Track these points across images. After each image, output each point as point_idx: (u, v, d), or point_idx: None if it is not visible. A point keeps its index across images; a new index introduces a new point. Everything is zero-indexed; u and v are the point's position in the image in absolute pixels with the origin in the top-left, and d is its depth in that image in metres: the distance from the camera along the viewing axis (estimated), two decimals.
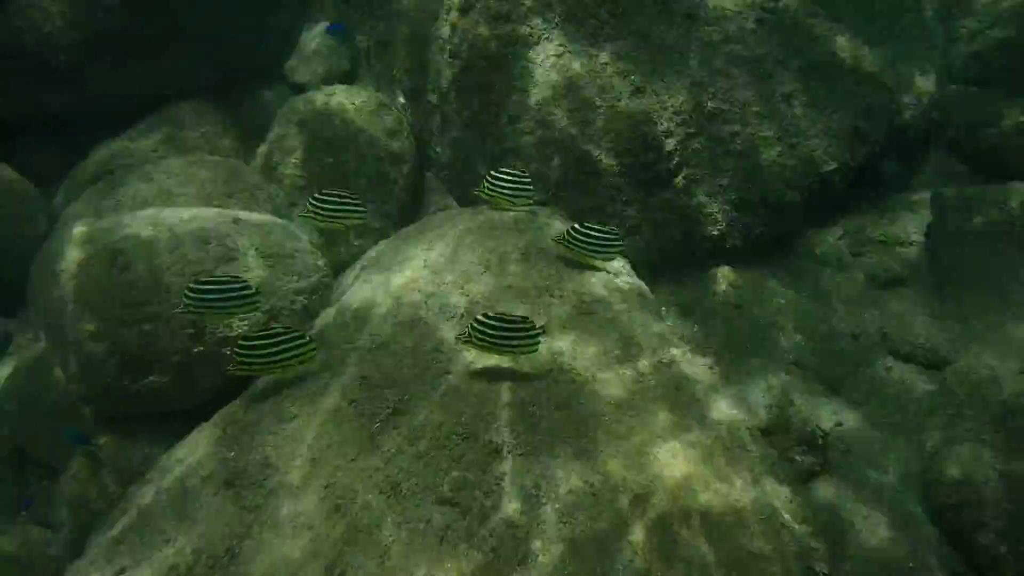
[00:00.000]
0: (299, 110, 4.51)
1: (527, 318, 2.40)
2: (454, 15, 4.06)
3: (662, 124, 3.68)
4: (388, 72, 4.83)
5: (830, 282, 3.73)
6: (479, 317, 2.36)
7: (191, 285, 2.51)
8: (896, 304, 3.60)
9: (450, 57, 4.14)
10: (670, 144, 3.68)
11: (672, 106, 3.70)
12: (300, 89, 5.34)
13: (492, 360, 2.47)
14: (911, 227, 3.93)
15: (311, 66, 5.35)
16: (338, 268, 3.80)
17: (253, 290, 2.59)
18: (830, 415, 3.05)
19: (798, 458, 2.36)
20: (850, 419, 3.11)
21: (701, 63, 3.78)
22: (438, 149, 4.66)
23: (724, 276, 3.58)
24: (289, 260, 3.20)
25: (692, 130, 3.73)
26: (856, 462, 2.95)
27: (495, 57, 3.91)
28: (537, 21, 3.85)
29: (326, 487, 2.31)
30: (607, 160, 3.76)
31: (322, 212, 2.86)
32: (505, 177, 3.25)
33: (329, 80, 5.33)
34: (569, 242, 2.93)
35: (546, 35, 3.86)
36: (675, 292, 3.74)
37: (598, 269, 3.00)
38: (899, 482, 2.97)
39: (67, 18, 4.15)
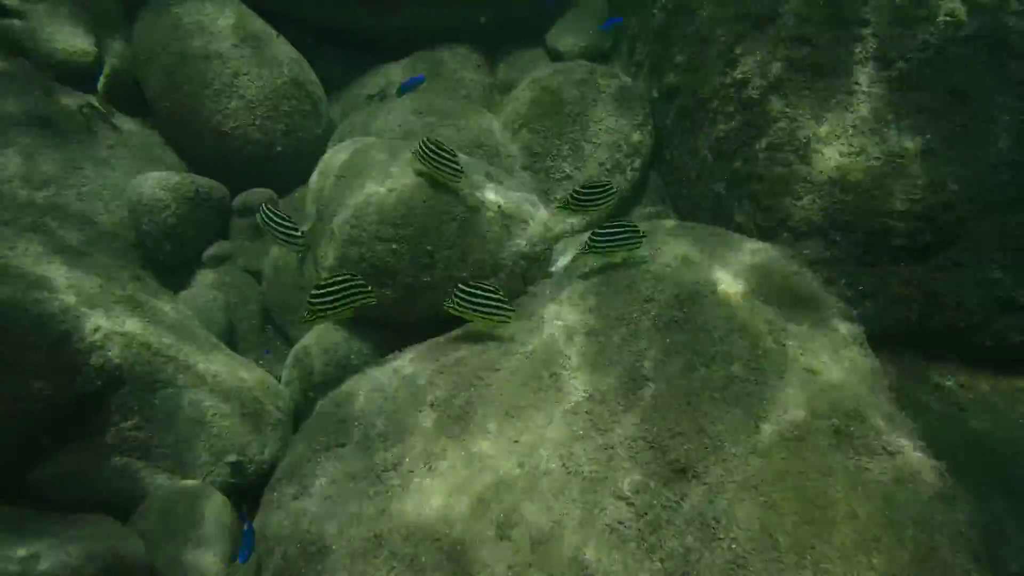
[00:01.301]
0: (556, 79, 4.67)
1: (500, 290, 2.80)
2: (747, 24, 3.96)
3: (942, 194, 3.37)
4: (652, 63, 4.84)
5: None
6: (460, 285, 2.77)
7: (264, 206, 3.11)
8: None
9: (726, 66, 4.07)
10: (946, 217, 3.36)
11: (957, 174, 3.37)
12: (556, 56, 5.54)
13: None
14: None
15: (574, 37, 5.50)
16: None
17: (300, 234, 3.10)
18: None
19: None
20: None
21: (1016, 142, 3.38)
22: (675, 152, 4.64)
23: (956, 377, 3.26)
24: (523, 224, 3.41)
25: (975, 208, 3.37)
26: None
27: (778, 80, 3.78)
28: (840, 52, 3.65)
29: (515, 442, 2.52)
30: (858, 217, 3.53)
31: (429, 159, 3.13)
32: (591, 191, 3.16)
33: (588, 55, 5.47)
34: (592, 247, 2.97)
35: (844, 68, 3.65)
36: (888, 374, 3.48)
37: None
38: None
39: None
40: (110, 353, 2.80)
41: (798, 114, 3.77)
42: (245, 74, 4.14)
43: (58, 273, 2.84)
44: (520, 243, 3.33)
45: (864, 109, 3.66)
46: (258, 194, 4.36)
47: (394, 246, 3.27)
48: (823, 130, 3.67)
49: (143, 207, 3.78)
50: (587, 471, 2.37)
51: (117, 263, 3.17)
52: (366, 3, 4.76)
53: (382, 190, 3.29)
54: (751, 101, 3.92)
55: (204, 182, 4.10)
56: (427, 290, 3.33)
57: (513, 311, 2.83)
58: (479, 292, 2.77)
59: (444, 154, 3.14)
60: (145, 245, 3.85)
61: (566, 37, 5.50)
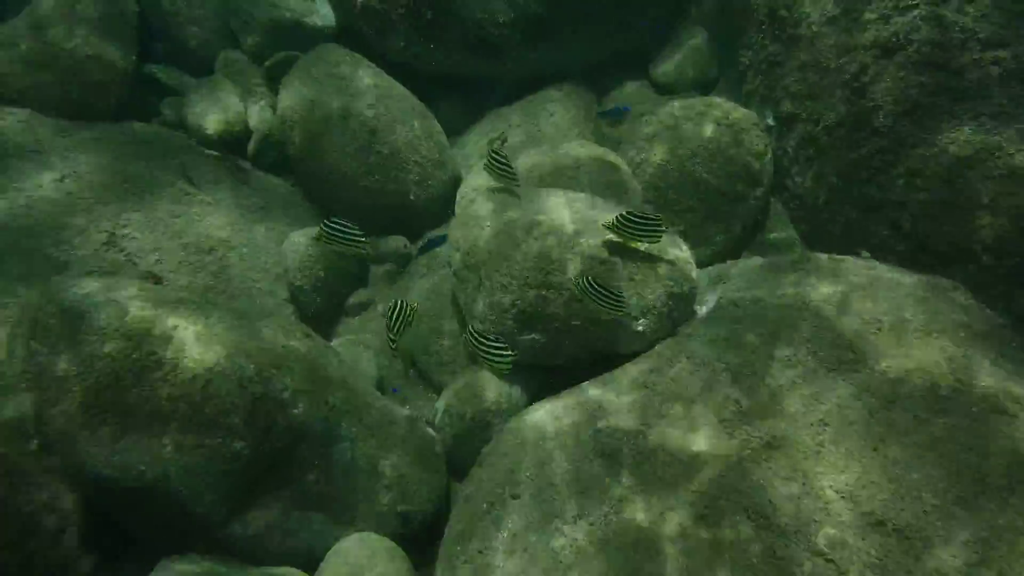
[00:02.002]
0: (674, 115, 4.71)
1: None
2: (873, 54, 3.91)
3: None
4: (765, 92, 4.83)
5: None
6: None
7: (326, 219, 3.53)
8: None
9: (852, 94, 4.02)
10: None
11: None
12: (662, 88, 5.58)
13: None
14: None
15: (682, 68, 5.53)
16: None
17: (364, 240, 3.60)
18: None
19: None
20: None
21: None
22: (797, 179, 4.60)
23: None
24: (668, 265, 3.46)
25: None
26: None
27: (914, 106, 3.71)
28: (979, 74, 3.55)
29: (701, 495, 2.56)
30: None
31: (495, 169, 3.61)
32: (638, 221, 3.25)
33: (697, 86, 5.50)
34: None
35: (984, 90, 3.56)
36: None
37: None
38: None
39: (508, 1, 4.78)
40: (295, 411, 3.01)
41: (937, 139, 3.69)
42: (382, 131, 4.39)
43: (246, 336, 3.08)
44: (668, 284, 3.38)
45: (1011, 132, 3.54)
46: (393, 241, 4.59)
47: (544, 292, 3.38)
48: (970, 153, 3.57)
49: (296, 264, 4.05)
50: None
51: (290, 322, 3.40)
52: (483, 53, 4.95)
53: (530, 238, 3.42)
54: (886, 128, 3.86)
55: None
56: (576, 332, 3.41)
57: (512, 357, 3.26)
58: (486, 341, 3.26)
59: (505, 162, 3.58)
60: (298, 300, 4.11)
61: (674, 68, 5.53)
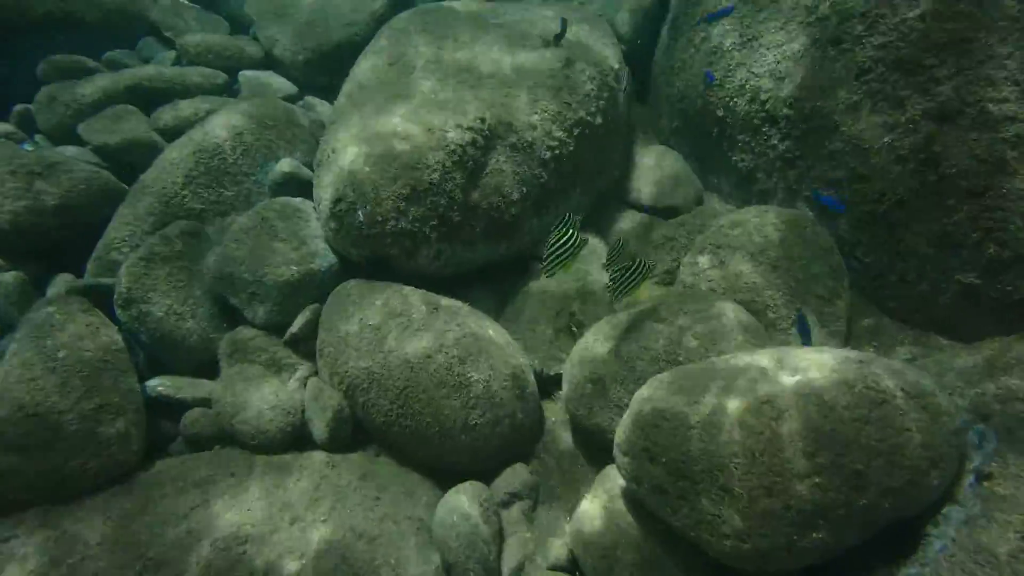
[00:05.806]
0: (726, 232, 4.52)
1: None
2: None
3: None
4: (792, 186, 4.85)
5: None
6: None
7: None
8: None
9: (920, 166, 4.04)
10: None
11: None
12: (662, 213, 5.50)
13: None
14: None
15: (673, 191, 5.53)
16: None
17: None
18: None
19: None
20: None
21: None
22: (867, 259, 4.52)
23: None
24: (930, 399, 3.02)
25: None
26: None
27: (1002, 160, 3.78)
28: None
29: None
30: None
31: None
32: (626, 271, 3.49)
33: (690, 203, 5.48)
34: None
35: None
36: None
37: None
38: None
39: (517, 179, 4.53)
40: None
41: None
42: (469, 358, 3.67)
43: None
44: (946, 420, 2.93)
45: None
46: (518, 472, 3.75)
47: (816, 479, 2.78)
48: None
49: (461, 553, 3.09)
50: None
51: None
52: (502, 235, 4.57)
53: (795, 422, 2.84)
54: (976, 189, 3.84)
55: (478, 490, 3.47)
56: (864, 512, 2.82)
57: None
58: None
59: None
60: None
61: (654, 193, 5.52)
